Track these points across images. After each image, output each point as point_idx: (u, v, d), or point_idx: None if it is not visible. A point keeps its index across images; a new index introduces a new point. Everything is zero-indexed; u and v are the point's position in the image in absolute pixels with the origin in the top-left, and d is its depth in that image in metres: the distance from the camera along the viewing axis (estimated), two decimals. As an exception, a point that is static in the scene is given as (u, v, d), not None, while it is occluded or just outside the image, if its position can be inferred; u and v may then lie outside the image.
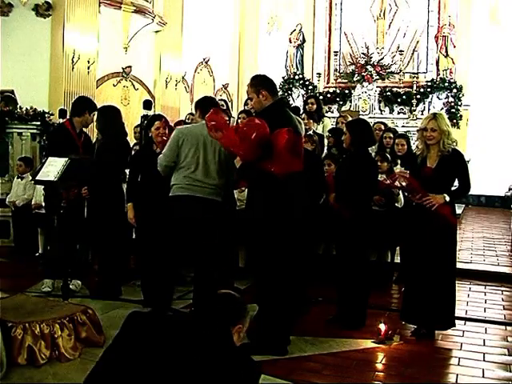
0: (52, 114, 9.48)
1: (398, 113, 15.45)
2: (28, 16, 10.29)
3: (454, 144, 5.09)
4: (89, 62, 10.88)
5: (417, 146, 5.39)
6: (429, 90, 15.23)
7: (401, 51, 15.52)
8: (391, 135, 7.79)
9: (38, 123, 9.25)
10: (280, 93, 15.72)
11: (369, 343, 4.99)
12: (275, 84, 4.86)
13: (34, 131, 9.21)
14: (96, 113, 6.37)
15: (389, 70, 15.48)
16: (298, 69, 16.50)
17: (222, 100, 10.17)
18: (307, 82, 16.22)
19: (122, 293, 6.13)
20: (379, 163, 6.46)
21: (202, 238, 4.96)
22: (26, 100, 9.47)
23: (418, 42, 15.70)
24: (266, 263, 4.61)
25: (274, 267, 4.57)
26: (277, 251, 4.56)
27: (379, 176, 5.86)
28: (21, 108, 9.41)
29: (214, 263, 5.05)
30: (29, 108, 9.40)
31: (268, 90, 4.70)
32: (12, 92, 9.47)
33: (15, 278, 6.77)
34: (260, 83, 4.75)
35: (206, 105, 5.15)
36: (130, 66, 12.52)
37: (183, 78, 14.46)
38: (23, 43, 10.20)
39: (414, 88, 15.16)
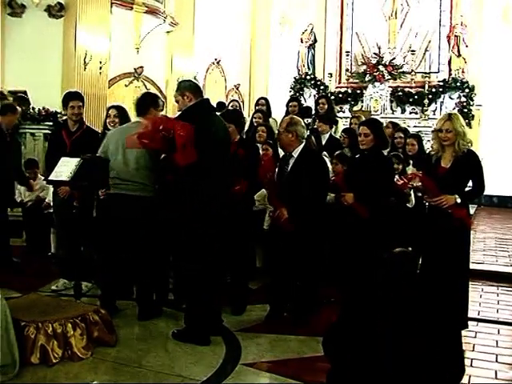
0: (64, 115, 9.51)
1: (410, 113, 15.41)
2: (40, 17, 10.32)
3: (470, 145, 5.05)
4: (101, 62, 10.90)
5: (431, 146, 5.38)
6: (441, 89, 15.18)
7: (412, 51, 15.47)
8: (402, 135, 7.78)
9: (51, 123, 9.30)
10: (291, 93, 15.74)
11: (381, 344, 4.97)
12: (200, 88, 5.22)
13: (47, 131, 9.24)
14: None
15: (400, 70, 15.45)
16: (309, 69, 16.47)
17: (234, 101, 10.16)
18: (318, 82, 16.21)
19: (133, 292, 6.13)
20: (395, 165, 6.48)
21: (133, 234, 5.35)
22: (39, 100, 9.52)
23: (429, 41, 15.63)
24: (191, 256, 4.90)
25: (199, 260, 4.86)
26: (199, 243, 4.85)
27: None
28: (33, 108, 9.47)
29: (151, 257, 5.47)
30: (41, 108, 9.46)
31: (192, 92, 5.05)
32: (25, 92, 9.51)
33: (28, 278, 6.80)
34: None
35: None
36: (141, 67, 12.54)
37: (195, 78, 14.44)
38: (36, 44, 10.23)
39: (426, 88, 15.12)
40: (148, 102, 5.58)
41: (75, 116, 6.36)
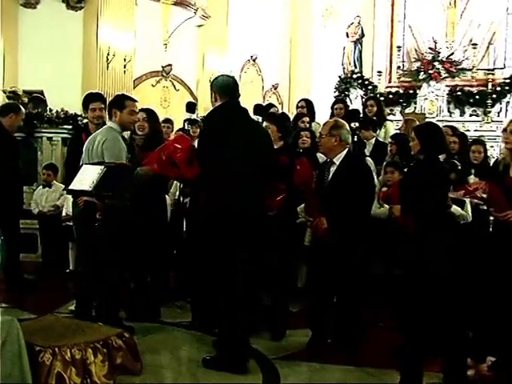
0: (85, 117, 9.62)
1: (470, 115, 15.22)
2: (58, 8, 10.49)
3: None
4: (125, 59, 11.03)
5: (501, 151, 5.31)
6: (507, 88, 14.95)
7: (474, 45, 15.30)
8: (456, 139, 7.65)
9: (70, 127, 9.39)
10: (336, 93, 15.70)
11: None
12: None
13: (65, 136, 9.33)
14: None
15: (460, 67, 15.29)
16: (356, 66, 16.44)
17: (272, 106, 10.10)
18: (366, 82, 16.13)
19: (161, 314, 6.16)
20: None
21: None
22: (57, 101, 9.64)
23: (494, 33, 15.42)
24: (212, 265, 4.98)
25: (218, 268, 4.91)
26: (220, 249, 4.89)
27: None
28: (51, 110, 9.58)
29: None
30: (59, 110, 9.57)
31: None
32: (41, 93, 9.62)
33: (44, 297, 6.87)
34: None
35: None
36: (170, 65, 12.65)
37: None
38: (53, 39, 10.37)
39: (489, 86, 14.93)
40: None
41: (97, 119, 6.41)
